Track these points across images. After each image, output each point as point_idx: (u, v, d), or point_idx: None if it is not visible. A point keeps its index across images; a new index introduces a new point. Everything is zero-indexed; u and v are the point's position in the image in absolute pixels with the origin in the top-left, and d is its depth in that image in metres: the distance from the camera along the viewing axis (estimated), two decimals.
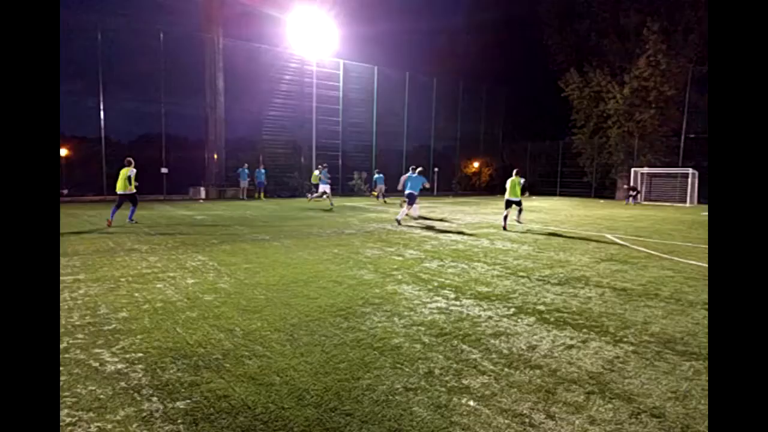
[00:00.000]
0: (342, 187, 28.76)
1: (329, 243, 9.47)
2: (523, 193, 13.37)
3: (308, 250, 8.59)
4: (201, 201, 21.89)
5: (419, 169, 14.21)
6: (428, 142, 34.82)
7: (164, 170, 22.95)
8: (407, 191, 13.75)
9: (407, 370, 3.49)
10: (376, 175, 24.15)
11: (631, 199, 26.98)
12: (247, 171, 24.01)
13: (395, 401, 3.01)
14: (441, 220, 14.88)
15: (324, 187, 19.01)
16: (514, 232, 12.01)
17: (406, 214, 14.13)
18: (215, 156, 25.11)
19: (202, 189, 23.50)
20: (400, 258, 7.98)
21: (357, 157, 30.25)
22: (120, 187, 11.71)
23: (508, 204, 13.19)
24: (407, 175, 14.05)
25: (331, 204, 19.47)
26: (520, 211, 13.88)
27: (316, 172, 20.90)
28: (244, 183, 23.97)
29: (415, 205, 14.34)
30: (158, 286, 5.80)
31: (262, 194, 24.43)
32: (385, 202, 22.72)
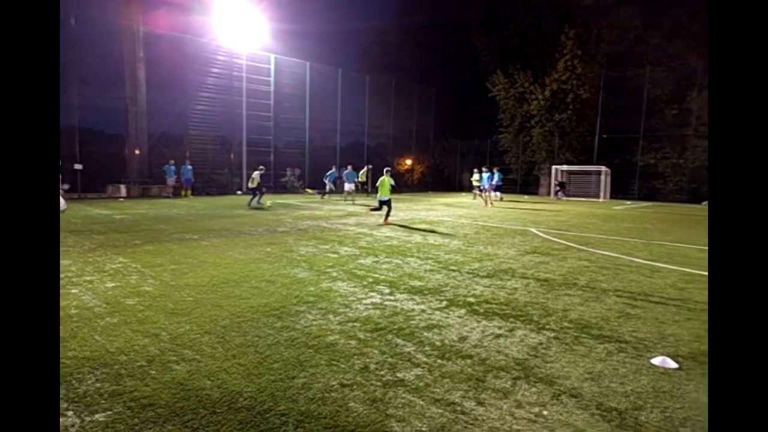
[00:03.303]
0: (274, 184, 28.12)
1: (261, 241, 9.25)
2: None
3: (239, 249, 8.33)
4: (122, 199, 20.49)
5: (485, 168, 22.25)
6: (362, 138, 34.90)
7: (78, 166, 21.22)
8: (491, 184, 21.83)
9: (343, 366, 3.50)
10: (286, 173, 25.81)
11: (559, 194, 28.72)
12: (173, 168, 22.80)
13: (331, 398, 3.01)
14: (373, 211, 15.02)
15: (349, 186, 21.28)
16: (445, 227, 12.37)
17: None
18: (137, 151, 23.61)
19: (122, 187, 21.98)
20: (335, 255, 7.96)
21: (290, 153, 29.68)
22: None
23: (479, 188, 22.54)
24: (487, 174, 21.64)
25: (352, 201, 21.44)
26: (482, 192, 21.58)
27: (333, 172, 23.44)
28: (171, 180, 22.74)
29: (493, 193, 22.27)
30: (73, 291, 5.38)
31: (189, 192, 23.33)
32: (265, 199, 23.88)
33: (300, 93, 29.85)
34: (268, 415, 2.79)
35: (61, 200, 11.09)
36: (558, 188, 29.17)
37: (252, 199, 18.11)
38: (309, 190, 25.52)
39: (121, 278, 6.05)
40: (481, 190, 21.23)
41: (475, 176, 25.13)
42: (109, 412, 2.78)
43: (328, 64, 31.98)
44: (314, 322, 4.47)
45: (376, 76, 35.07)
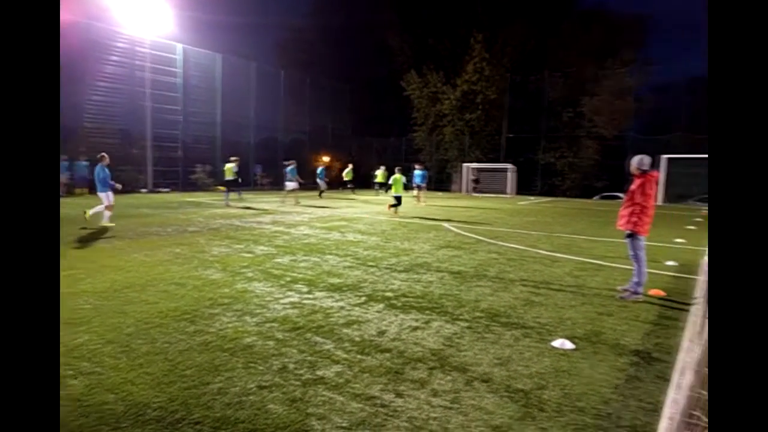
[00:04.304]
0: (183, 182, 26.55)
1: (170, 242, 8.72)
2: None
3: (145, 251, 7.79)
4: None
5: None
6: (277, 134, 34.07)
7: None
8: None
9: (261, 368, 3.42)
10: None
11: (475, 190, 30.26)
12: (65, 164, 20.66)
13: (249, 402, 2.93)
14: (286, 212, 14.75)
15: (291, 185, 19.30)
16: (363, 224, 12.49)
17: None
18: None
19: None
20: (250, 255, 7.72)
21: (200, 148, 28.12)
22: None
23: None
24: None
25: (283, 201, 19.63)
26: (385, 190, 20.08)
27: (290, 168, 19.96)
28: (63, 177, 20.58)
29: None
30: None
31: (84, 190, 21.30)
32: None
33: (210, 86, 28.44)
34: (180, 425, 2.65)
35: (110, 194, 10.97)
36: (475, 184, 30.82)
37: (227, 195, 17.63)
38: (221, 188, 24.34)
39: None
40: (419, 188, 21.22)
41: (379, 172, 25.85)
42: None
43: (240, 56, 30.79)
44: (229, 325, 4.32)
45: (291, 71, 34.39)
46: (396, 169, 16.39)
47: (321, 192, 24.31)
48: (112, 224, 10.81)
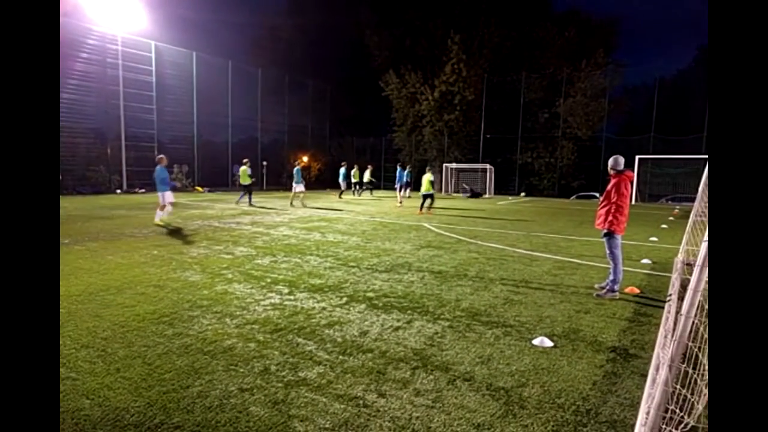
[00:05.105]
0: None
1: (146, 244, 8.54)
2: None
3: (121, 253, 7.62)
4: None
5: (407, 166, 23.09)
6: (255, 134, 33.72)
7: None
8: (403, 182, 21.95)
9: (242, 370, 3.38)
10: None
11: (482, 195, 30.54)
12: None
13: (230, 404, 2.90)
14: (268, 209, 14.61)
15: (298, 187, 18.82)
16: (344, 224, 12.46)
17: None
18: None
19: None
20: (230, 256, 7.62)
21: (177, 148, 27.59)
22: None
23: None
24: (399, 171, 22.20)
25: (303, 203, 18.79)
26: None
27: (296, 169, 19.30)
28: None
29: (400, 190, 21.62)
30: None
31: None
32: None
33: (186, 85, 27.97)
34: (159, 430, 2.61)
35: (170, 194, 11.63)
36: (472, 192, 30.89)
37: (242, 197, 17.90)
38: (199, 188, 23.99)
39: None
40: (401, 189, 21.69)
41: (353, 171, 25.72)
42: None
43: (216, 55, 30.38)
44: (209, 327, 4.26)
45: (270, 70, 34.07)
46: (427, 169, 17.53)
47: (341, 192, 24.64)
48: (165, 224, 11.48)
